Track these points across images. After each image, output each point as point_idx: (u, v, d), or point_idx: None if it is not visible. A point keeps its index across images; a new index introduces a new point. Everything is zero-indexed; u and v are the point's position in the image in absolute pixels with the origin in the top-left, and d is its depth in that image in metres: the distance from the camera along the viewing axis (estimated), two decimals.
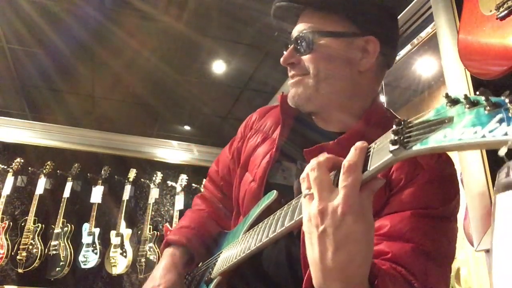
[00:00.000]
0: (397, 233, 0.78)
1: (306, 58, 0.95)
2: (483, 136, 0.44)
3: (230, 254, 0.94)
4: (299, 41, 0.95)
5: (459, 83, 1.67)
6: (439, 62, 2.49)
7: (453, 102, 0.50)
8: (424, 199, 0.82)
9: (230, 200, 1.19)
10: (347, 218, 0.56)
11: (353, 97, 0.98)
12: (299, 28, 0.97)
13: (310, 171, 0.62)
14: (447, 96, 0.50)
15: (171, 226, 4.16)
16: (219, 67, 3.48)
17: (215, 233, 1.16)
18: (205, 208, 1.24)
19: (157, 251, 3.94)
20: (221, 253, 1.02)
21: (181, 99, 3.93)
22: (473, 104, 0.47)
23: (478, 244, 1.51)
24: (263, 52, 3.25)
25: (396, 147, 0.53)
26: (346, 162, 0.59)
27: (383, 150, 0.57)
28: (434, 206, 0.82)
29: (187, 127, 4.57)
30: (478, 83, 1.59)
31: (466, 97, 0.48)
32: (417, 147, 0.51)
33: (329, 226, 0.57)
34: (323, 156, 0.64)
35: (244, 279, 0.95)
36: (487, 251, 1.52)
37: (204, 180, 1.35)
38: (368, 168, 0.58)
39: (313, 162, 0.63)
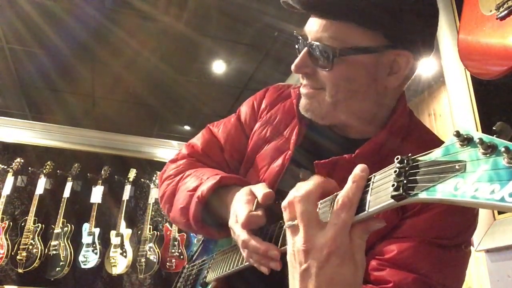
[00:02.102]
0: (402, 261, 0.73)
1: (323, 74, 0.79)
2: (502, 199, 0.37)
3: (224, 261, 0.92)
4: (317, 51, 0.78)
5: (459, 83, 1.67)
6: (439, 62, 2.48)
7: (466, 141, 0.43)
8: (439, 228, 0.75)
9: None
10: (332, 259, 0.52)
11: (377, 111, 0.86)
12: (317, 35, 0.78)
13: (297, 202, 0.56)
14: (458, 134, 0.43)
15: (171, 226, 4.16)
16: (219, 67, 3.48)
17: None
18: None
19: (157, 251, 3.94)
20: (215, 254, 1.01)
21: (181, 99, 3.93)
22: (490, 148, 0.40)
23: (478, 244, 1.51)
24: (263, 52, 3.25)
25: (398, 192, 0.47)
26: (340, 198, 0.53)
27: (383, 190, 0.50)
28: (448, 236, 0.76)
29: (187, 127, 4.58)
30: (478, 83, 1.59)
31: (481, 141, 0.41)
32: (422, 195, 0.45)
33: (313, 266, 0.53)
34: (311, 184, 0.57)
35: (243, 279, 0.94)
36: (487, 251, 1.52)
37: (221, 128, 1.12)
38: (366, 209, 0.52)
39: (300, 191, 0.57)
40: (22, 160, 4.04)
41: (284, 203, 0.59)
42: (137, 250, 3.99)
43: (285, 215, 0.59)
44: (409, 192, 0.46)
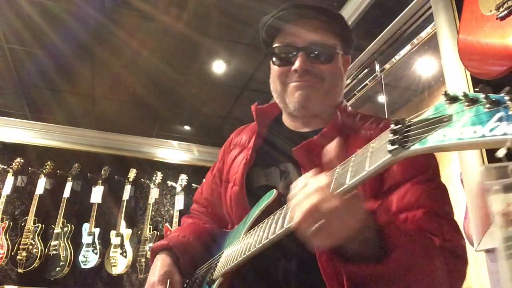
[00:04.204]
0: (406, 205, 0.84)
1: (324, 66, 1.03)
2: (483, 136, 0.43)
3: (230, 255, 0.93)
4: (316, 50, 1.02)
5: (459, 83, 1.67)
6: (439, 62, 2.48)
7: (452, 99, 0.50)
8: (413, 168, 0.88)
9: (214, 217, 1.24)
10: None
11: (332, 104, 1.08)
12: (309, 38, 1.03)
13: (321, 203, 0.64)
14: (445, 94, 0.50)
15: (171, 226, 4.16)
16: (219, 67, 3.48)
17: (207, 238, 1.17)
18: (192, 221, 1.26)
19: None
20: (222, 253, 1.01)
21: (181, 99, 3.93)
22: (472, 101, 0.47)
23: (478, 244, 1.51)
24: (263, 52, 3.24)
25: (394, 147, 0.53)
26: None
27: (381, 151, 0.57)
28: (423, 170, 0.89)
29: (187, 127, 4.57)
30: (478, 83, 1.59)
31: (465, 94, 0.48)
32: (415, 147, 0.51)
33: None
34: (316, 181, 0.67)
35: (246, 281, 0.95)
36: (487, 251, 1.52)
37: (204, 180, 1.38)
38: (366, 168, 0.59)
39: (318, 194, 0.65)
40: (22, 160, 4.05)
41: (303, 211, 0.65)
42: (137, 250, 3.99)
43: (305, 224, 0.65)
44: (404, 145, 0.52)
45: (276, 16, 1.05)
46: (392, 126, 0.56)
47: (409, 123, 0.54)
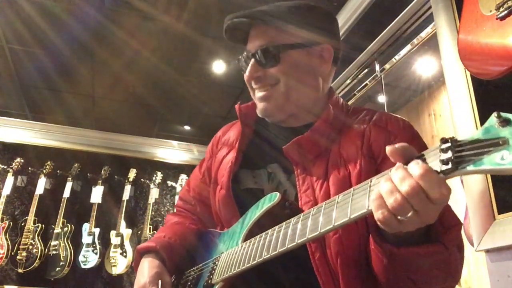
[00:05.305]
0: None
1: (273, 69, 0.99)
2: None
3: (234, 260, 0.89)
4: (262, 55, 0.99)
5: (459, 83, 1.67)
6: (439, 62, 2.48)
7: (505, 122, 0.48)
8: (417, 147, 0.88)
9: (203, 217, 1.21)
10: None
11: (316, 100, 1.05)
12: (258, 43, 1.00)
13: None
14: (498, 115, 0.49)
15: None
16: (219, 67, 3.48)
17: (194, 239, 1.14)
18: (178, 220, 1.22)
19: None
20: (219, 257, 0.98)
21: (181, 99, 3.93)
22: None
23: (478, 244, 1.51)
24: None
25: (447, 167, 0.52)
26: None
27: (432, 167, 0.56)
28: (422, 145, 0.91)
29: (187, 127, 4.57)
30: (478, 83, 1.59)
31: None
32: (470, 168, 0.49)
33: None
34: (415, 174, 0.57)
35: (247, 283, 0.93)
36: (487, 251, 1.52)
37: (190, 176, 1.35)
38: None
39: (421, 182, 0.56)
40: (22, 160, 4.05)
41: (404, 197, 0.57)
42: None
43: (403, 209, 0.58)
44: (457, 165, 0.51)
45: (225, 29, 1.05)
46: (441, 144, 0.54)
47: (459, 143, 0.52)
